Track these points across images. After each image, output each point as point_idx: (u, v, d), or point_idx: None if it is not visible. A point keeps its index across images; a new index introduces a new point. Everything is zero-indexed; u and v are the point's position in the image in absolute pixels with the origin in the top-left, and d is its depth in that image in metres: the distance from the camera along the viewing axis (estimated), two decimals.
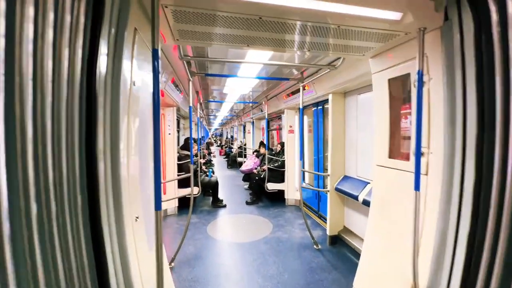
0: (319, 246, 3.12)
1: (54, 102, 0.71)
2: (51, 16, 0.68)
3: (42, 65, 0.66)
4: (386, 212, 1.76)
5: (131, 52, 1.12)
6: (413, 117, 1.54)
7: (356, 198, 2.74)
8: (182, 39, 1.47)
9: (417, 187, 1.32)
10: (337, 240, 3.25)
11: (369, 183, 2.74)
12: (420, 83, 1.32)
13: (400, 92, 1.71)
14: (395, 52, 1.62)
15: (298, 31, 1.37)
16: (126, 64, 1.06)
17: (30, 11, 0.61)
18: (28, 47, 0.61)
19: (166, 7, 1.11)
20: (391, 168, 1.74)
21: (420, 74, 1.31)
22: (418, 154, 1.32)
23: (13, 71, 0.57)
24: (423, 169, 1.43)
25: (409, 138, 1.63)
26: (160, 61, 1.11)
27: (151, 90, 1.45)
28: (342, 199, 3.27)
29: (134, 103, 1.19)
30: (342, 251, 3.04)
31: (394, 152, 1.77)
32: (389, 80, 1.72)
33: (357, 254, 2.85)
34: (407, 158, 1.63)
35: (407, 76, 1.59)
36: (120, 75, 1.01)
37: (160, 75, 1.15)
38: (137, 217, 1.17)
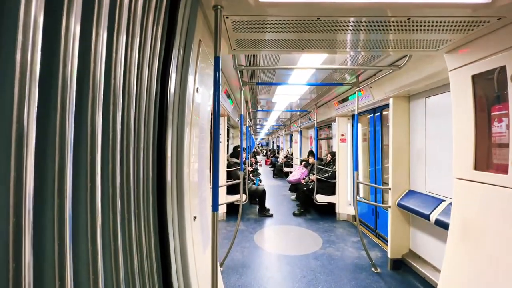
0: (378, 270, 2.75)
1: (135, 116, 0.81)
2: (136, 41, 0.79)
3: (129, 84, 0.77)
4: (472, 237, 1.43)
5: (195, 63, 1.21)
6: None
7: (427, 217, 2.34)
8: (238, 48, 1.53)
9: None
10: (401, 265, 2.81)
11: (444, 200, 2.31)
12: None
13: (490, 90, 1.41)
14: (482, 43, 1.36)
15: (359, 28, 1.28)
16: (191, 77, 1.15)
17: (123, 38, 0.71)
18: (120, 70, 0.71)
19: (227, 17, 1.18)
20: (478, 183, 1.42)
21: None
22: None
23: (109, 91, 0.67)
24: None
25: (505, 145, 1.31)
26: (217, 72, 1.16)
27: (211, 96, 1.54)
28: (407, 218, 2.84)
29: (196, 111, 1.28)
30: (408, 278, 2.60)
31: (482, 163, 1.45)
32: (473, 76, 1.44)
33: (428, 285, 2.40)
34: (502, 170, 1.31)
35: (500, 70, 1.30)
36: (186, 89, 1.10)
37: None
38: (195, 217, 1.23)
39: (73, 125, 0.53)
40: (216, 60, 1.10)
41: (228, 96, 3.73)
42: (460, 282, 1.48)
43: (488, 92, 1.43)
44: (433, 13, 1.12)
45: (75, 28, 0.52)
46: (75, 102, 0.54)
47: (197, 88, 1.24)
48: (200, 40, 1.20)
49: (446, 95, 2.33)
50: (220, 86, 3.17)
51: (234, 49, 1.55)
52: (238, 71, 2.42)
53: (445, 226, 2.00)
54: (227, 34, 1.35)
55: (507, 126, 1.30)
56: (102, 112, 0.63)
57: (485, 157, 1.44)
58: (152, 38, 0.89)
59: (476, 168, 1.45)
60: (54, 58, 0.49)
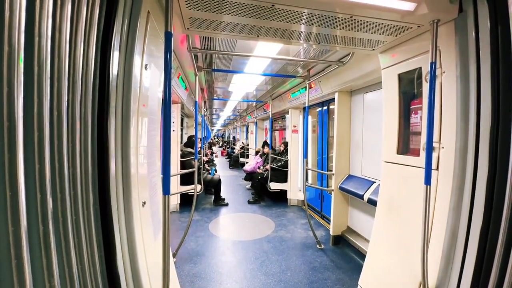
0: (322, 246, 3.09)
1: (69, 101, 0.70)
2: (68, 8, 0.66)
3: (59, 63, 0.64)
4: (394, 209, 1.74)
5: (143, 40, 1.11)
6: (424, 112, 1.52)
7: (361, 197, 2.71)
8: (192, 28, 1.46)
9: (427, 181, 1.30)
10: (340, 240, 3.21)
11: (375, 182, 2.71)
12: (433, 76, 1.30)
13: (410, 87, 1.69)
14: (406, 46, 1.61)
15: (311, 21, 1.36)
16: (137, 56, 1.04)
17: (49, 4, 0.59)
18: (47, 43, 0.59)
19: None
20: (399, 164, 1.71)
21: (433, 68, 1.29)
22: (430, 148, 1.30)
23: (33, 70, 0.55)
24: (434, 164, 1.41)
25: (419, 133, 1.61)
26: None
27: (162, 81, 1.44)
28: (346, 199, 3.24)
29: (144, 97, 1.18)
30: (346, 251, 3.00)
31: (403, 148, 1.74)
32: (399, 75, 1.70)
33: (361, 255, 2.81)
34: (416, 154, 1.60)
35: (418, 70, 1.57)
36: (132, 70, 1.00)
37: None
38: (144, 202, 1.16)
39: None
40: (167, 36, 1.02)
41: (182, 82, 3.54)
42: (384, 247, 1.78)
43: (409, 89, 1.71)
44: (370, 14, 1.28)
45: None
46: None
47: (146, 65, 1.14)
48: (149, 12, 1.11)
49: (380, 92, 2.70)
50: (173, 70, 2.98)
51: (188, 28, 1.47)
52: (193, 55, 2.32)
53: (375, 203, 2.35)
54: (180, 10, 1.27)
55: (421, 118, 1.58)
56: (22, 98, 0.52)
57: (405, 143, 1.74)
58: (88, 6, 0.76)
59: (398, 152, 1.74)
60: None
